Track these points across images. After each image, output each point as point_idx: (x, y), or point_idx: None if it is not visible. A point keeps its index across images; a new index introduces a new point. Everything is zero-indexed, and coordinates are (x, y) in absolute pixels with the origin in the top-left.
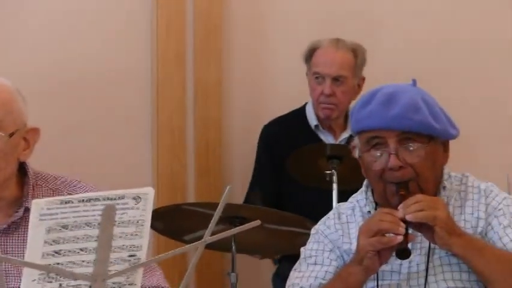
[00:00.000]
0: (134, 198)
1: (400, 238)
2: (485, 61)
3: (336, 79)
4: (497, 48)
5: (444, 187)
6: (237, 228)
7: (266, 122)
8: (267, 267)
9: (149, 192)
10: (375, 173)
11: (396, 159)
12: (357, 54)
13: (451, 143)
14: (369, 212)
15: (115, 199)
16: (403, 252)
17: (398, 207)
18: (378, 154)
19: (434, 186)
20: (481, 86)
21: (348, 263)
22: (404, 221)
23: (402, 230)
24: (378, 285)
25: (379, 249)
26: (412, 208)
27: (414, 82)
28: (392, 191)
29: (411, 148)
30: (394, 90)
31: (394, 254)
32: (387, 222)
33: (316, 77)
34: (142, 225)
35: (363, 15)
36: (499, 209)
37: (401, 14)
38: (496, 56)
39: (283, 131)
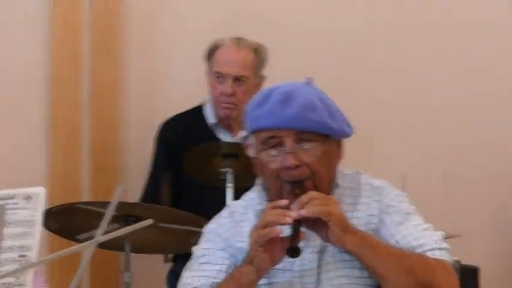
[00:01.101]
0: (25, 198)
1: (279, 230)
2: (381, 61)
3: (237, 79)
4: (391, 47)
5: (337, 185)
6: (129, 227)
7: (163, 121)
8: (163, 265)
9: (40, 192)
10: (271, 172)
11: (293, 158)
12: (258, 54)
13: (349, 141)
14: (261, 210)
15: (5, 199)
16: (294, 251)
17: (291, 206)
18: (275, 153)
19: (328, 185)
20: (378, 86)
21: (241, 262)
22: (297, 220)
23: (289, 219)
24: (269, 284)
25: (265, 244)
26: (311, 208)
27: (309, 80)
28: (288, 190)
29: (307, 147)
30: (291, 90)
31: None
32: (273, 215)
33: (217, 76)
34: (33, 226)
35: (262, 14)
36: (392, 206)
37: (301, 13)
38: (391, 55)
39: (181, 128)
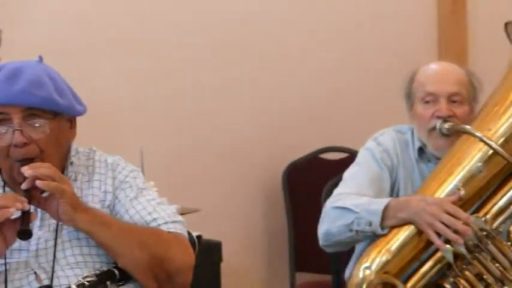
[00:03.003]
0: None
1: (10, 212)
2: (121, 40)
3: None
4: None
5: (72, 163)
6: None
7: None
8: None
9: None
10: (0, 150)
11: (21, 135)
12: None
13: (85, 118)
14: None
15: None
16: (24, 233)
17: (22, 169)
18: (3, 131)
19: (60, 163)
20: (113, 62)
21: None
22: (28, 198)
23: (19, 205)
24: (6, 264)
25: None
26: (42, 171)
27: (40, 59)
28: (18, 169)
29: (36, 124)
30: (19, 66)
31: None
32: (5, 199)
33: None
34: None
35: None
36: (126, 182)
37: None
38: (129, 35)
39: None
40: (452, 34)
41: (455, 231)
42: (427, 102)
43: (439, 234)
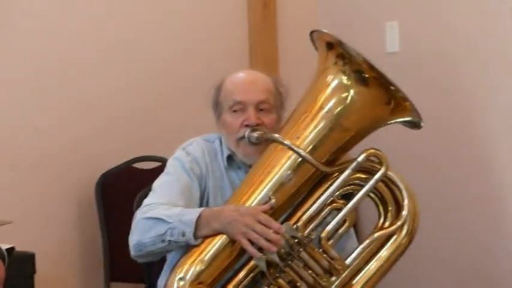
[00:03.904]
0: None
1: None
2: None
3: None
4: None
5: None
6: None
7: None
8: None
9: None
10: None
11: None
12: None
13: None
14: None
15: None
16: None
17: None
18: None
19: None
20: None
21: None
22: None
23: None
24: None
25: None
26: None
27: None
28: None
29: None
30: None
31: None
32: None
33: None
34: None
35: None
36: None
37: None
38: None
39: None
40: (263, 42)
41: (268, 240)
42: (235, 111)
43: (252, 243)
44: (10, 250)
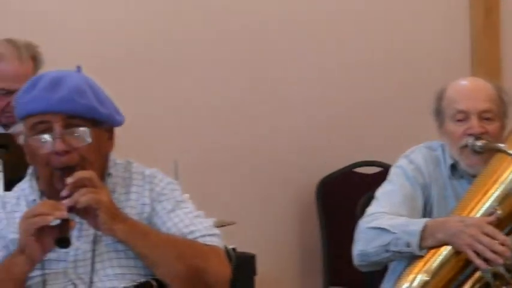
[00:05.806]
0: None
1: (49, 218)
2: (153, 58)
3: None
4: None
5: (110, 174)
6: None
7: None
8: None
9: None
10: (41, 158)
11: (61, 143)
12: (37, 61)
13: (121, 130)
14: (34, 200)
15: None
16: (63, 241)
17: (62, 192)
18: (44, 139)
19: (100, 173)
20: (165, 76)
21: (13, 253)
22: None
23: (59, 213)
24: (43, 274)
25: (36, 233)
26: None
27: (79, 69)
28: (58, 177)
29: (76, 134)
30: (59, 75)
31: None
32: (45, 206)
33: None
34: None
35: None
36: (164, 194)
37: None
38: (156, 51)
39: None
40: (485, 49)
41: (494, 252)
42: (458, 120)
43: (478, 255)
44: (231, 250)
